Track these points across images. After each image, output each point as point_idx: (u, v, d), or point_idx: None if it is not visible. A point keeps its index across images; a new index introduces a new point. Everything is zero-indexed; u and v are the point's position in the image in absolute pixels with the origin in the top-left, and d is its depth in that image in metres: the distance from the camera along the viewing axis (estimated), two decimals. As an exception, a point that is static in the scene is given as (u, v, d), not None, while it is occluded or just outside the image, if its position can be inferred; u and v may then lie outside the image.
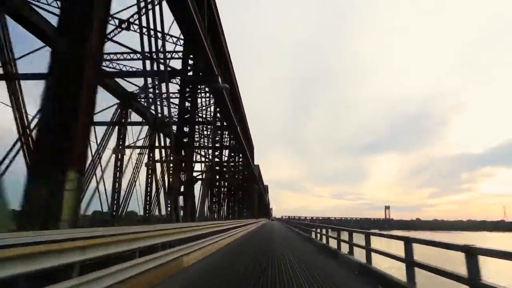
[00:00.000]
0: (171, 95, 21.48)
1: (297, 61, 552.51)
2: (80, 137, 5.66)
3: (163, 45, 11.60)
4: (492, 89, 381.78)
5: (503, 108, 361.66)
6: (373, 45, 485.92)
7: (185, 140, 14.25)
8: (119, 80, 19.65)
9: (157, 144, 15.17)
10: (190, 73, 15.21)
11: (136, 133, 23.44)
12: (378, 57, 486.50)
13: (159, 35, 10.70)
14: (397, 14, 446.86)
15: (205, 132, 24.90)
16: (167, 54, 12.96)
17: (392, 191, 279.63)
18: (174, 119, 16.99)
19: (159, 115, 11.23)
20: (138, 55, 15.80)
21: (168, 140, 12.38)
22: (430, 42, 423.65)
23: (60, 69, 5.92)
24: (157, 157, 18.66)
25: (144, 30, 10.34)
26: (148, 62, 10.65)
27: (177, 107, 18.11)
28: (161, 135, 12.29)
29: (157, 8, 10.18)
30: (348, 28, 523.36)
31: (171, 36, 15.57)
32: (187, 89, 15.12)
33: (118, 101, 21.67)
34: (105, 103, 20.41)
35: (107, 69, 18.06)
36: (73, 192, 5.12)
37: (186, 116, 14.94)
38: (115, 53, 17.59)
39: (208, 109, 22.44)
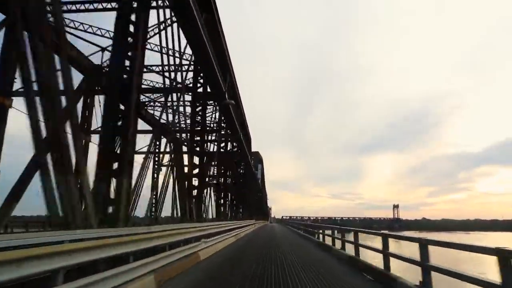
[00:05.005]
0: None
1: (299, 61, 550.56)
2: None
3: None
4: (489, 89, 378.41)
5: (500, 108, 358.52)
6: (375, 45, 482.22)
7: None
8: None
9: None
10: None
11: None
12: (379, 57, 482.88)
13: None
14: (399, 15, 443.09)
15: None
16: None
17: (390, 190, 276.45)
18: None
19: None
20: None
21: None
22: (430, 43, 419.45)
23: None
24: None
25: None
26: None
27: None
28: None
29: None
30: (350, 28, 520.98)
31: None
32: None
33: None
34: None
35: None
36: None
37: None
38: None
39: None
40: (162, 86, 19.03)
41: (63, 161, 6.61)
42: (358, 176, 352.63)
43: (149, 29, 14.39)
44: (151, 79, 22.02)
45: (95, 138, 16.54)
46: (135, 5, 9.47)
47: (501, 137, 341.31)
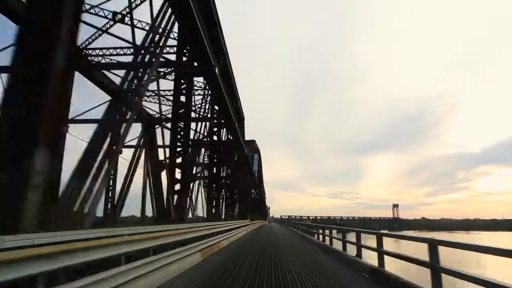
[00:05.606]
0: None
1: (298, 61, 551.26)
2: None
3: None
4: (488, 89, 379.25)
5: (499, 108, 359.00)
6: (373, 45, 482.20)
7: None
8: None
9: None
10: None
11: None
12: (377, 57, 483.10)
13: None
14: (397, 15, 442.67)
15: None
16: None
17: (389, 190, 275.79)
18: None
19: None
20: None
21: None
22: (429, 42, 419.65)
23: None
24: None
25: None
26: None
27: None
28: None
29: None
30: (348, 28, 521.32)
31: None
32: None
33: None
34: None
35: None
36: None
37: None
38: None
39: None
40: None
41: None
42: (358, 175, 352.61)
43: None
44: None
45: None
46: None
47: (501, 137, 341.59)
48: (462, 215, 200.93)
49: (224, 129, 25.38)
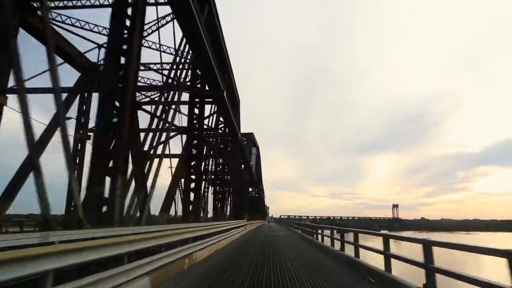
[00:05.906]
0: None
1: (298, 61, 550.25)
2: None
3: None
4: (488, 89, 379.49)
5: (499, 108, 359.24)
6: (373, 45, 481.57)
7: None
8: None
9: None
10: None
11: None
12: (377, 57, 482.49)
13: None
14: (397, 15, 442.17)
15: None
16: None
17: (389, 190, 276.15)
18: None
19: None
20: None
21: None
22: (429, 42, 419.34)
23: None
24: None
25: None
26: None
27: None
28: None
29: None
30: (348, 28, 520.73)
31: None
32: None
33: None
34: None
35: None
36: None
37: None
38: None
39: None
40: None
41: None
42: (358, 176, 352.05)
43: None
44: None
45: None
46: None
47: (500, 138, 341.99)
48: (462, 215, 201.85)
49: (215, 115, 22.03)
